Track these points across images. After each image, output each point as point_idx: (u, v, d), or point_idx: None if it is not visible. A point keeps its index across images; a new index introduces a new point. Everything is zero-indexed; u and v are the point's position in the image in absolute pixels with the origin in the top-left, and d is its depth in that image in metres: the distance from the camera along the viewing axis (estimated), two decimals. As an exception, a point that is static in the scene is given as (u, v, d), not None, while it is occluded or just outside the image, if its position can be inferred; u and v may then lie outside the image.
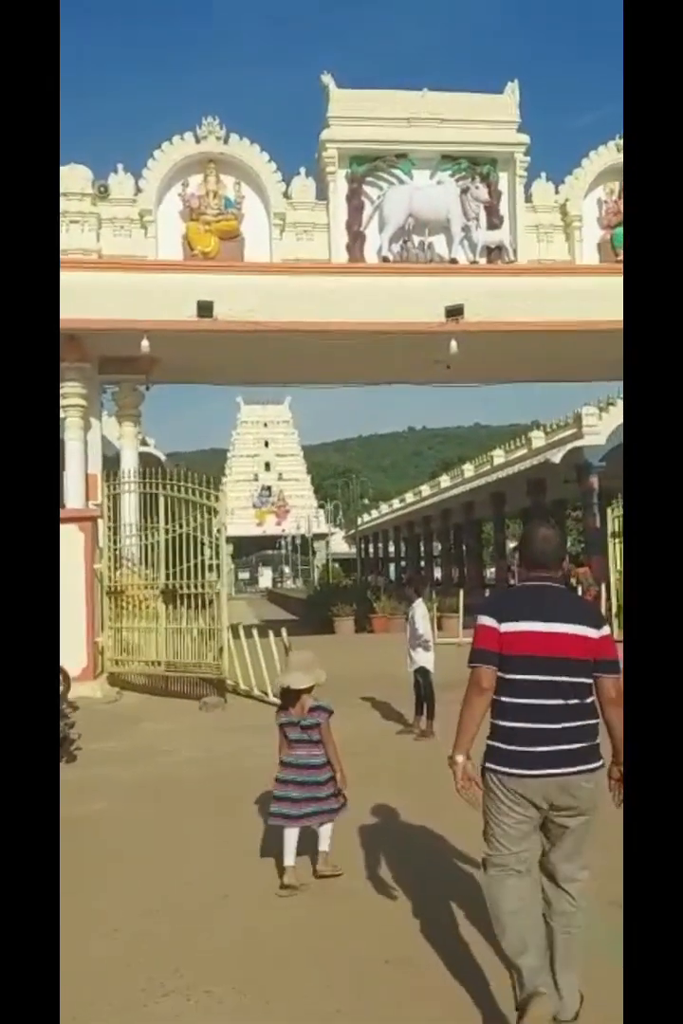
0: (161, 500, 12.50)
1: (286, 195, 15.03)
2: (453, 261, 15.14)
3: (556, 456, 23.40)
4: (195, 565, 11.96)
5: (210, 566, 12.00)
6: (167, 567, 12.25)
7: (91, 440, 14.65)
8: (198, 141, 14.91)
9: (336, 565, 52.33)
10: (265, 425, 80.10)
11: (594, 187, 15.60)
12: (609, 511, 17.25)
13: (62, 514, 11.32)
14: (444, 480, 42.90)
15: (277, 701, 11.42)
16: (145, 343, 13.40)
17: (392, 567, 58.63)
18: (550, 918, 3.09)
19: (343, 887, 4.64)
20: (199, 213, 14.86)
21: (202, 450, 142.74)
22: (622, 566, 12.32)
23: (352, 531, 61.84)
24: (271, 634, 10.99)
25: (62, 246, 12.73)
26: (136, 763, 7.96)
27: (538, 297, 14.16)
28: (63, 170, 13.81)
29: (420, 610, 9.01)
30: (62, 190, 13.65)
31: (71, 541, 11.69)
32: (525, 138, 15.33)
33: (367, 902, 4.42)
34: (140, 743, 9.02)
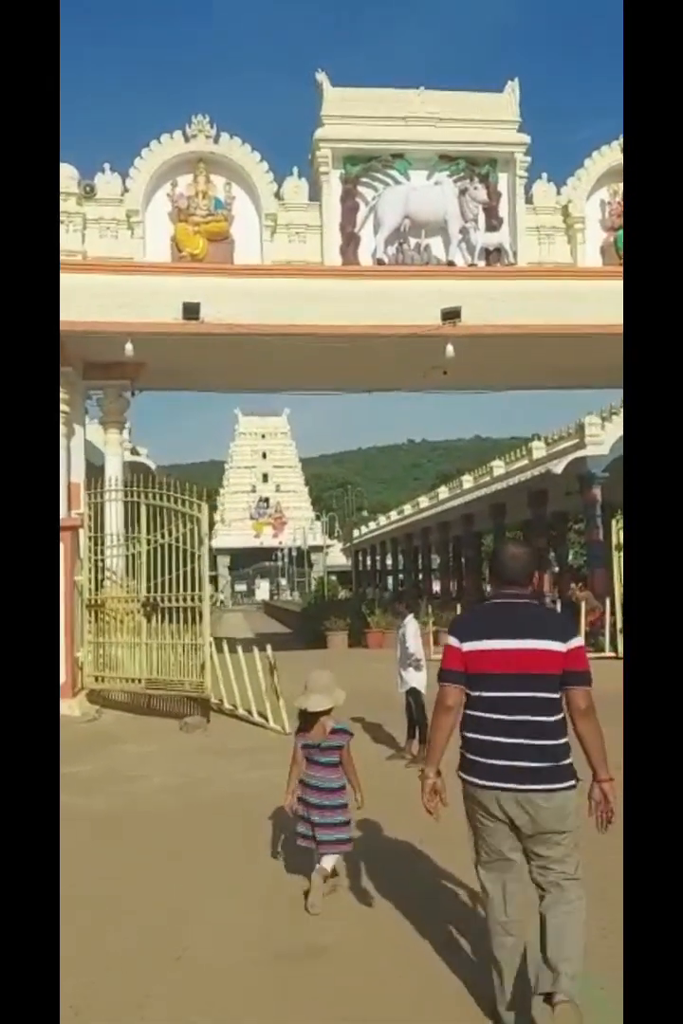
0: (142, 509, 11.99)
1: (278, 196, 14.52)
2: (450, 263, 14.64)
3: (558, 467, 22.81)
4: (178, 576, 11.43)
5: (193, 578, 11.44)
6: (148, 579, 11.73)
7: (74, 447, 14.04)
8: (187, 140, 14.36)
9: (332, 578, 51.82)
10: (263, 436, 79.90)
11: (597, 188, 15.07)
12: (613, 523, 16.77)
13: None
14: (443, 492, 42.36)
15: (262, 721, 10.78)
16: (129, 347, 12.88)
17: (390, 580, 58.06)
18: (544, 909, 3.11)
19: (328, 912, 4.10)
20: (188, 214, 14.32)
21: (201, 462, 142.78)
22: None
23: (349, 544, 61.36)
24: (255, 650, 10.45)
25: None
26: (103, 790, 7.40)
27: (538, 301, 13.64)
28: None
29: (412, 627, 8.51)
30: (46, 189, 13.18)
31: (51, 551, 11.14)
32: (525, 138, 14.81)
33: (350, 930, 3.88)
34: (112, 766, 8.46)
